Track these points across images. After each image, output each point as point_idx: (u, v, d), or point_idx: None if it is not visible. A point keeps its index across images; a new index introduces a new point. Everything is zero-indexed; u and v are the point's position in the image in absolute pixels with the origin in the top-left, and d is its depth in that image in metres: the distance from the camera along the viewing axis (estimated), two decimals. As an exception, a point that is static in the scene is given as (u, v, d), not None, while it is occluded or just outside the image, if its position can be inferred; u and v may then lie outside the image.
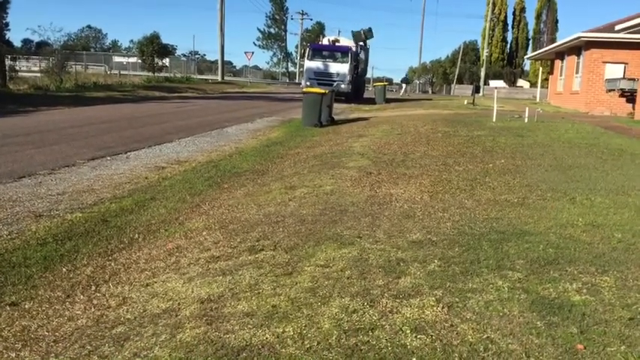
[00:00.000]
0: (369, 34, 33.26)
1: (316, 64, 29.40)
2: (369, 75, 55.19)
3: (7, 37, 27.20)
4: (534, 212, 5.49)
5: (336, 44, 31.08)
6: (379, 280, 3.70)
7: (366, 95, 34.96)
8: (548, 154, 9.30)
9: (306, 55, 30.67)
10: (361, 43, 35.80)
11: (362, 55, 34.53)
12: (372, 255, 4.21)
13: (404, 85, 49.76)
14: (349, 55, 29.48)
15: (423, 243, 4.51)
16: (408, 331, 2.98)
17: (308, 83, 28.22)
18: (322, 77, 28.48)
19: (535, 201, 6.00)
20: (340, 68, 29.08)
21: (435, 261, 4.05)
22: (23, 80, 26.16)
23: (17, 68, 26.30)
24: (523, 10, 64.30)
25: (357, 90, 31.92)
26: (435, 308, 3.25)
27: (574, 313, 3.20)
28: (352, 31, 32.56)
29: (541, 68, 40.43)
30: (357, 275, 3.79)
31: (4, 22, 25.95)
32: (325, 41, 32.95)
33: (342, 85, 28.26)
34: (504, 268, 3.89)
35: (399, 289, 3.55)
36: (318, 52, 30.33)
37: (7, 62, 24.67)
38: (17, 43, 41.29)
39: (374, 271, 3.86)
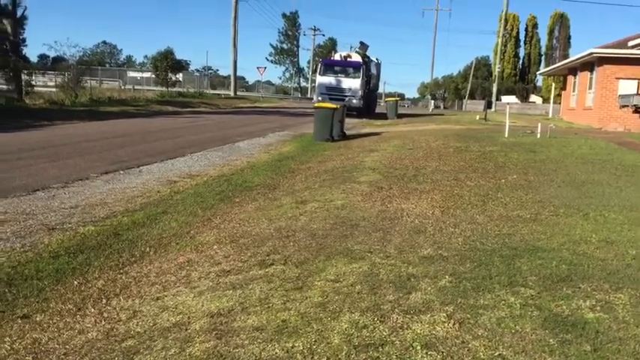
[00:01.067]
0: (363, 47, 33.40)
1: (328, 79, 29.49)
2: (380, 90, 55.32)
3: (23, 52, 27.58)
4: (547, 228, 5.45)
5: (348, 60, 31.09)
6: (390, 295, 3.68)
7: (378, 110, 34.99)
8: (561, 169, 9.24)
9: (318, 70, 30.77)
10: (374, 59, 35.95)
11: (373, 70, 34.60)
12: (383, 270, 4.19)
13: (432, 101, 50.59)
14: (361, 70, 29.56)
15: (434, 258, 4.48)
16: (419, 348, 2.96)
17: (320, 98, 28.13)
18: (334, 92, 28.45)
19: (548, 217, 5.95)
20: (352, 83, 29.16)
21: (447, 277, 4.02)
22: (39, 95, 26.47)
23: (33, 83, 26.59)
24: (535, 26, 64.40)
25: (368, 105, 31.96)
26: (446, 324, 3.22)
27: (587, 330, 3.16)
28: (358, 47, 32.73)
29: (554, 84, 40.29)
30: (368, 290, 3.77)
31: (20, 37, 26.31)
32: (337, 57, 32.98)
33: (354, 100, 28.26)
34: (516, 285, 3.86)
35: (410, 304, 3.52)
36: (329, 67, 30.45)
37: (24, 77, 24.96)
38: (34, 59, 41.89)
39: (384, 287, 3.84)
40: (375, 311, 3.42)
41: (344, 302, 3.57)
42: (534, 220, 5.79)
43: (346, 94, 28.49)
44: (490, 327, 3.19)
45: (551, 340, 3.03)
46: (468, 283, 3.89)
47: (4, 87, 24.02)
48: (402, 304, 3.53)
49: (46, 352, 3.20)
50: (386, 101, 38.72)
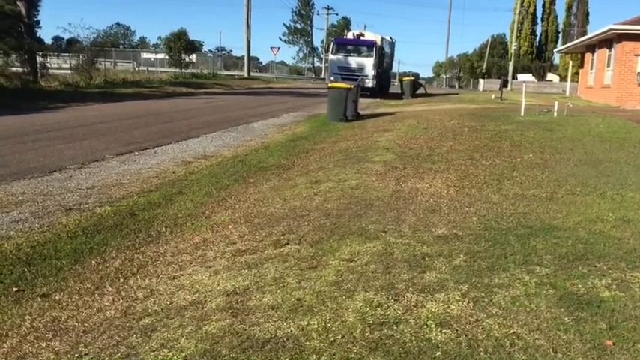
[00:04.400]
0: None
1: (341, 58, 29.11)
2: (395, 69, 54.90)
3: (38, 34, 27.66)
4: (563, 207, 5.41)
5: (361, 38, 30.70)
6: (404, 274, 3.69)
7: (391, 90, 34.77)
8: (578, 148, 9.13)
9: (330, 49, 30.36)
10: (388, 38, 35.51)
11: (387, 49, 34.16)
12: (397, 249, 4.19)
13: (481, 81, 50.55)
14: (374, 49, 29.06)
15: (449, 237, 4.48)
16: (433, 326, 2.97)
17: (332, 78, 27.80)
18: (346, 72, 28.11)
19: (564, 196, 5.91)
20: (365, 63, 28.70)
21: (461, 255, 4.02)
22: (54, 77, 26.63)
23: (48, 65, 26.75)
24: (553, 2, 63.19)
25: (382, 85, 31.55)
26: (460, 303, 3.23)
27: (603, 309, 3.15)
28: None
29: (571, 62, 39.67)
30: (382, 269, 3.78)
31: (35, 20, 26.40)
32: (350, 36, 32.45)
33: (367, 80, 27.83)
34: (532, 263, 3.85)
35: (424, 283, 3.53)
36: (342, 46, 29.99)
37: (39, 59, 25.10)
38: (48, 40, 42.03)
39: (399, 266, 3.85)
40: (390, 290, 3.43)
41: (358, 281, 3.59)
42: (550, 199, 5.75)
43: (359, 73, 28.08)
44: (505, 305, 3.20)
45: (566, 319, 3.03)
46: (482, 262, 3.89)
47: (20, 69, 24.16)
48: (416, 282, 3.54)
49: (65, 329, 3.26)
50: (401, 80, 38.41)
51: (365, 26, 35.11)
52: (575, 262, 3.86)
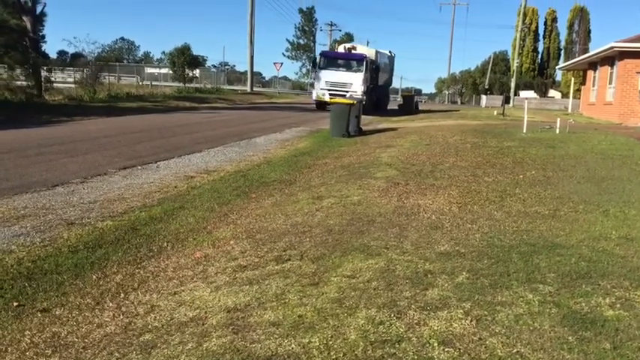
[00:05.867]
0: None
1: (328, 72, 27.81)
2: (397, 85, 54.87)
3: (43, 48, 27.84)
4: (566, 225, 5.39)
5: (352, 52, 29.41)
6: (406, 291, 3.67)
7: (393, 106, 34.47)
8: (581, 165, 9.13)
9: (318, 63, 28.79)
10: (387, 52, 34.51)
11: (383, 64, 32.88)
12: (400, 266, 4.17)
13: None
14: (364, 63, 27.72)
15: (451, 255, 4.45)
16: (436, 344, 2.94)
17: (319, 93, 27.40)
18: (334, 87, 27.01)
19: (567, 213, 5.89)
20: (353, 78, 27.33)
21: (464, 273, 3.99)
22: (58, 91, 26.76)
23: (52, 79, 26.89)
24: (555, 20, 63.53)
25: (378, 100, 30.55)
26: (463, 321, 3.20)
27: (607, 328, 3.12)
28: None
29: (573, 79, 39.81)
30: (384, 286, 3.76)
31: (40, 34, 26.60)
32: (341, 49, 31.25)
33: (355, 97, 26.44)
34: (535, 282, 3.82)
35: (427, 301, 3.51)
36: (331, 60, 28.76)
37: (43, 73, 25.25)
38: (53, 55, 42.20)
39: (401, 283, 3.82)
40: (392, 307, 3.41)
41: (360, 298, 3.57)
42: (553, 217, 5.73)
43: (348, 89, 26.75)
44: (508, 324, 3.17)
45: (570, 338, 3.00)
46: (485, 279, 3.86)
47: (24, 83, 24.28)
48: (418, 300, 3.52)
49: (65, 345, 3.23)
50: (403, 97, 38.44)
51: (368, 42, 34.61)
52: (578, 281, 3.83)
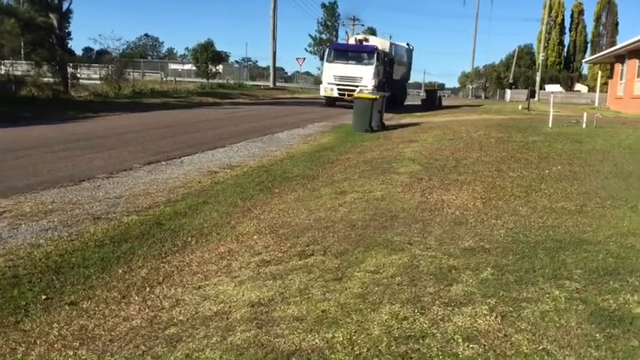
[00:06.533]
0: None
1: (336, 66, 26.09)
2: (419, 80, 54.22)
3: (69, 45, 28.25)
4: (593, 220, 5.30)
5: (363, 44, 27.52)
6: (430, 287, 3.65)
7: (411, 102, 33.36)
8: (608, 160, 8.97)
9: (326, 56, 26.85)
10: (404, 44, 33.03)
11: (399, 57, 30.98)
12: (423, 262, 4.15)
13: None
14: (375, 56, 25.77)
15: (476, 250, 4.42)
16: (460, 340, 2.92)
17: (327, 89, 26.03)
18: (343, 82, 25.61)
19: (594, 209, 5.80)
20: (364, 71, 25.54)
21: (488, 269, 3.96)
22: (84, 87, 27.12)
23: (78, 75, 27.24)
24: (581, 12, 62.52)
25: (392, 96, 27.11)
26: (488, 317, 3.17)
27: (635, 325, 3.06)
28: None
29: (600, 72, 39.16)
30: (408, 282, 3.74)
31: (66, 31, 26.97)
32: (352, 41, 29.30)
33: (365, 92, 23.48)
34: (561, 278, 3.77)
35: (451, 296, 3.48)
36: (340, 53, 26.92)
37: (69, 70, 25.60)
38: (78, 51, 42.88)
39: (425, 278, 3.80)
40: (416, 303, 3.39)
41: (384, 293, 3.56)
42: (580, 212, 5.64)
43: (356, 83, 25.09)
44: (533, 320, 3.13)
45: (597, 335, 2.96)
46: (510, 275, 3.83)
47: (51, 80, 24.64)
48: (442, 296, 3.50)
49: (92, 338, 3.28)
50: (426, 91, 38.07)
51: (390, 36, 33.36)
52: (606, 277, 3.77)
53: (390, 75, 28.51)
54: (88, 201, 6.59)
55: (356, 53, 26.51)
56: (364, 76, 25.38)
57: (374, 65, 25.55)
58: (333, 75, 25.98)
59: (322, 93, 26.88)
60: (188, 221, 5.91)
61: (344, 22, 76.37)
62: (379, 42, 28.57)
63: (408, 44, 34.40)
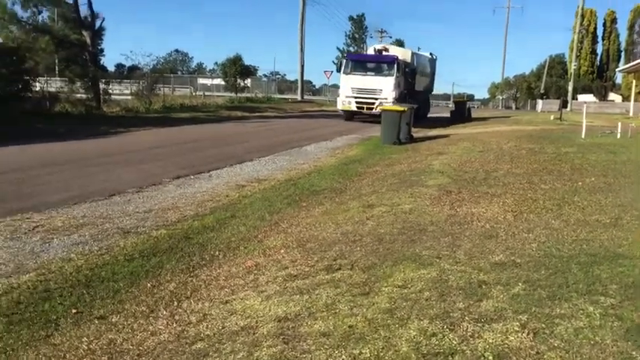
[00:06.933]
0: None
1: (355, 78, 24.36)
2: (448, 91, 53.62)
3: (101, 62, 28.88)
4: (629, 234, 5.15)
5: (383, 54, 25.94)
6: (459, 302, 3.57)
7: (437, 114, 32.52)
8: (644, 171, 8.74)
9: (343, 67, 25.12)
10: (427, 54, 31.73)
11: (422, 67, 29.59)
12: (452, 276, 4.08)
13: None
14: (395, 66, 24.01)
15: (507, 265, 4.32)
16: (491, 358, 2.85)
17: (344, 102, 24.48)
18: (361, 94, 24.02)
19: (629, 222, 5.63)
20: (383, 83, 23.81)
21: (520, 284, 3.87)
22: (115, 103, 27.61)
23: (110, 91, 27.78)
24: (614, 21, 61.47)
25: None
26: (519, 334, 3.09)
27: (675, 344, 2.95)
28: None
29: (634, 81, 38.31)
30: (437, 297, 3.68)
31: (99, 48, 27.57)
32: (371, 50, 27.53)
33: (385, 104, 21.61)
34: (595, 293, 3.66)
35: (481, 312, 3.41)
36: (357, 63, 25.20)
37: (101, 86, 26.12)
38: (111, 68, 43.76)
39: (454, 293, 3.73)
40: (445, 319, 3.33)
41: (412, 309, 3.50)
42: (615, 225, 5.49)
43: (376, 96, 23.59)
44: (567, 338, 3.04)
45: (634, 353, 2.85)
46: (542, 291, 3.73)
47: (84, 96, 25.17)
48: (472, 311, 3.42)
49: (120, 352, 3.30)
50: (454, 102, 37.70)
51: (419, 48, 32.43)
52: (643, 293, 3.65)
53: (412, 86, 26.89)
54: (118, 215, 6.67)
55: (375, 64, 24.96)
56: (384, 88, 23.74)
57: (394, 76, 23.85)
58: (350, 87, 24.36)
59: (339, 106, 25.40)
60: (216, 235, 5.93)
61: (372, 35, 76.45)
62: (400, 52, 27.11)
63: (431, 54, 33.30)
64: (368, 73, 24.46)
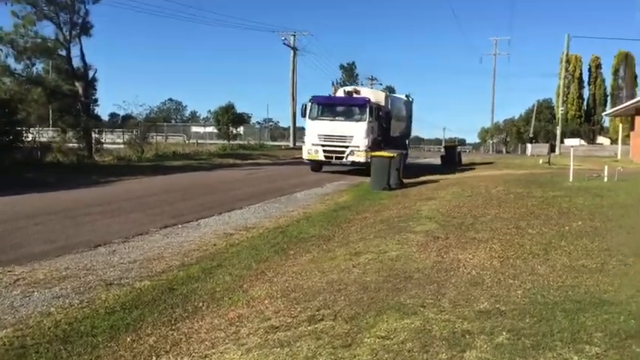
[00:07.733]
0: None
1: (322, 123, 21.65)
2: (439, 136, 54.09)
3: (95, 111, 29.17)
4: (614, 279, 5.12)
5: (354, 96, 23.22)
6: (442, 353, 3.51)
7: (424, 161, 32.03)
8: (630, 215, 8.77)
9: (308, 112, 22.11)
10: (402, 96, 29.87)
11: (397, 110, 26.72)
12: (436, 326, 4.02)
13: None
14: (367, 110, 21.23)
15: (491, 313, 4.27)
16: (472, 412, 2.78)
17: (310, 150, 21.77)
18: (329, 141, 21.36)
19: (616, 266, 5.61)
20: (355, 129, 21.05)
21: (504, 333, 3.81)
22: (108, 152, 27.73)
23: (102, 140, 27.97)
24: (599, 66, 62.93)
25: None
26: (501, 386, 3.03)
27: (660, 394, 2.89)
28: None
29: (621, 125, 38.87)
30: (419, 348, 3.62)
31: (93, 98, 27.88)
32: (340, 93, 24.58)
33: (358, 153, 20.78)
34: (580, 342, 3.61)
35: (464, 364, 3.34)
36: (326, 107, 22.19)
37: (94, 135, 26.27)
38: (105, 117, 44.21)
39: (437, 344, 3.67)
40: (426, 371, 3.26)
41: (394, 361, 3.43)
42: (601, 271, 5.46)
43: (348, 143, 21.05)
44: (550, 390, 2.98)
45: (618, 405, 2.79)
46: (527, 340, 3.67)
47: (76, 145, 25.26)
48: (455, 363, 3.36)
49: (93, 411, 3.20)
50: (445, 147, 38.00)
51: (408, 95, 31.66)
52: (628, 341, 3.60)
53: (387, 132, 24.17)
54: (102, 266, 6.60)
55: (345, 107, 22.18)
56: (355, 135, 21.01)
57: (366, 121, 21.08)
58: (317, 134, 21.59)
59: (305, 156, 22.36)
60: (200, 285, 5.86)
61: (362, 83, 77.60)
62: (372, 94, 24.44)
63: (407, 95, 30.85)
64: (337, 117, 21.85)
